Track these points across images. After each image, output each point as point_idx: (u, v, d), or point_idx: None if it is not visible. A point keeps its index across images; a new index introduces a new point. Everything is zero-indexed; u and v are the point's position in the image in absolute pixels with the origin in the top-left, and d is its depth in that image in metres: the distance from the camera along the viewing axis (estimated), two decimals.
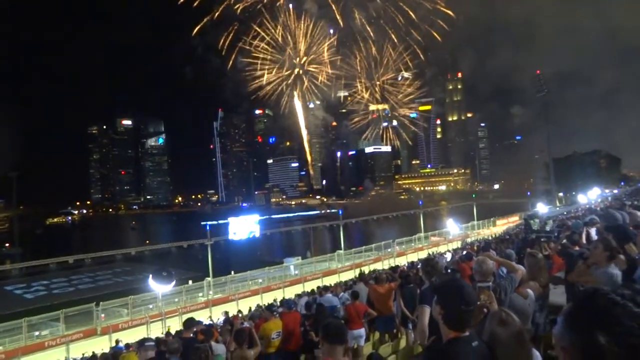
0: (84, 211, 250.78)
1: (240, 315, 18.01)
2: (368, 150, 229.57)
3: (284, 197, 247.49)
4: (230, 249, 50.79)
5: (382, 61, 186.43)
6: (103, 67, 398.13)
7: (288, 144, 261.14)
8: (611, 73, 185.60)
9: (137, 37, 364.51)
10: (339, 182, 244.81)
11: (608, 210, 7.25)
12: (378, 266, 31.78)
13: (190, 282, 29.86)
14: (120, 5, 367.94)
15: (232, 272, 31.71)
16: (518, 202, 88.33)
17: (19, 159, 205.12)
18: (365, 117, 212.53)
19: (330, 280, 27.57)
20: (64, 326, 21.88)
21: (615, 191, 52.81)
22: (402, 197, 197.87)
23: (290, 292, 25.21)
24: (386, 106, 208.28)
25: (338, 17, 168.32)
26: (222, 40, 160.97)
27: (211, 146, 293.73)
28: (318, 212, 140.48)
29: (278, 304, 16.15)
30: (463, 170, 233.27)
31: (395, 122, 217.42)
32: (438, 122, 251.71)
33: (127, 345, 14.02)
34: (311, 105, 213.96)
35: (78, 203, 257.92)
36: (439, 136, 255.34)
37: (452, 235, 45.01)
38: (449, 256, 18.68)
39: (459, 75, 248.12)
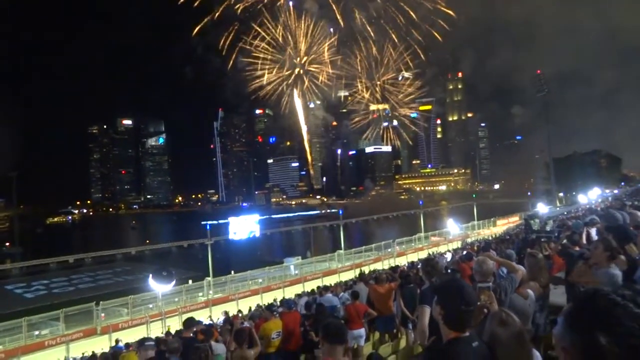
0: (84, 211, 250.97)
1: (240, 315, 18.02)
2: (368, 150, 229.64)
3: (284, 197, 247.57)
4: (231, 249, 50.82)
5: (383, 61, 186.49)
6: (103, 67, 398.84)
7: (288, 143, 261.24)
8: (611, 73, 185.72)
9: (137, 37, 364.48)
10: (339, 182, 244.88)
11: (608, 211, 7.24)
12: (378, 266, 31.78)
13: (190, 281, 29.89)
14: (120, 5, 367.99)
15: (232, 272, 31.72)
16: (518, 202, 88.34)
17: (19, 159, 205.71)
18: (366, 117, 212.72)
19: (330, 280, 27.58)
20: (64, 325, 21.90)
21: (616, 191, 52.79)
22: (403, 197, 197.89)
23: (290, 292, 25.21)
24: (386, 106, 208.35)
25: (338, 17, 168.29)
26: (222, 40, 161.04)
27: (211, 146, 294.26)
28: (318, 212, 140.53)
29: (278, 303, 16.15)
30: (463, 170, 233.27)
31: (395, 122, 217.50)
32: (438, 122, 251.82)
33: (127, 345, 14.03)
34: (311, 105, 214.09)
35: (78, 202, 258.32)
36: (439, 136, 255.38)
37: (452, 235, 44.99)
38: (449, 256, 18.68)
39: (460, 75, 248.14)
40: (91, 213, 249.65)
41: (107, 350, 14.84)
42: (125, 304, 24.59)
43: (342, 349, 2.88)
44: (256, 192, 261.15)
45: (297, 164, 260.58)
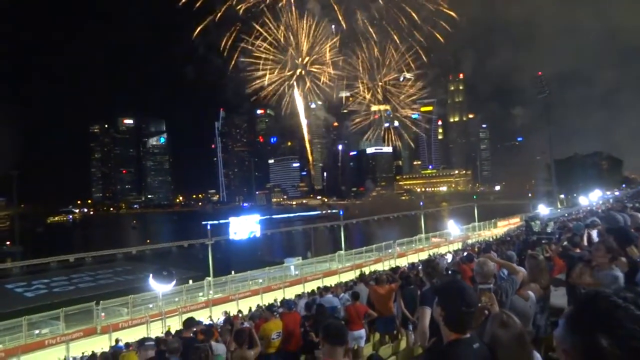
0: (85, 210, 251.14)
1: (240, 315, 18.02)
2: (369, 150, 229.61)
3: (285, 197, 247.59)
4: (231, 249, 50.83)
5: (385, 62, 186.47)
6: (103, 67, 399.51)
7: (289, 144, 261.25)
8: (611, 73, 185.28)
9: (137, 37, 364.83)
10: (340, 183, 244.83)
11: (609, 212, 7.24)
12: (378, 267, 31.76)
13: (190, 281, 29.89)
14: (120, 5, 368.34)
15: (233, 272, 31.73)
16: (519, 203, 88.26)
17: (20, 158, 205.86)
18: (367, 118, 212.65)
19: (330, 281, 27.56)
20: (64, 325, 21.91)
21: (617, 193, 52.69)
22: (403, 198, 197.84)
23: (290, 293, 25.20)
24: (388, 107, 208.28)
25: (340, 19, 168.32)
26: (223, 41, 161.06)
27: (212, 146, 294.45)
28: (319, 212, 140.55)
29: (278, 304, 16.15)
30: (464, 172, 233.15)
31: (396, 123, 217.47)
32: (439, 123, 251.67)
33: (127, 345, 14.03)
34: (313, 106, 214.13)
35: (79, 202, 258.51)
36: (440, 137, 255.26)
37: (453, 236, 44.97)
38: (449, 257, 18.66)
39: (461, 76, 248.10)
40: (92, 212, 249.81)
41: (107, 349, 14.83)
42: (125, 303, 24.61)
43: (342, 349, 2.88)
44: (257, 192, 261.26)
45: (298, 165, 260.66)
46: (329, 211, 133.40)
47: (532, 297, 3.78)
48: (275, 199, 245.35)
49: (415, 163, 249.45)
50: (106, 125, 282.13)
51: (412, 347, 6.52)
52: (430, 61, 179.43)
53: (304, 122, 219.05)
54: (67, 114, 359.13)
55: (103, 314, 23.61)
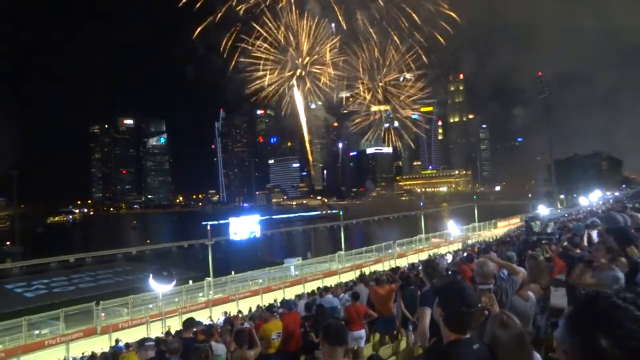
0: (85, 210, 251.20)
1: (240, 315, 18.02)
2: (369, 151, 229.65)
3: (285, 197, 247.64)
4: (231, 249, 50.83)
5: (385, 62, 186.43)
6: (103, 67, 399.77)
7: (289, 144, 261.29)
8: (612, 73, 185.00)
9: (137, 37, 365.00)
10: (340, 183, 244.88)
11: (609, 213, 7.24)
12: (378, 267, 31.76)
13: (190, 282, 29.87)
14: (120, 5, 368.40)
15: (233, 272, 31.72)
16: (519, 203, 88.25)
17: (20, 159, 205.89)
18: (367, 118, 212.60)
19: (330, 281, 27.55)
20: (64, 325, 21.89)
21: (617, 193, 52.65)
22: (403, 198, 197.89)
23: (290, 293, 25.21)
24: (388, 107, 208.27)
25: (340, 19, 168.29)
26: (224, 41, 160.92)
27: (212, 146, 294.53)
28: (319, 212, 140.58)
29: (278, 304, 16.14)
30: (464, 172, 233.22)
31: (396, 123, 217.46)
32: (439, 123, 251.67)
33: (127, 345, 14.03)
34: (313, 106, 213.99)
35: (79, 202, 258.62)
36: (440, 137, 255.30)
37: (453, 236, 44.97)
38: (449, 258, 18.65)
39: (461, 76, 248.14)
40: (92, 213, 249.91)
41: (107, 350, 14.83)
42: (125, 303, 24.59)
43: (342, 350, 2.88)
44: (257, 193, 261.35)
45: (298, 165, 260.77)
46: (329, 211, 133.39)
47: (532, 298, 3.78)
48: (275, 199, 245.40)
49: (415, 163, 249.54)
50: (106, 126, 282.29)
51: (412, 348, 6.52)
52: (431, 62, 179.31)
53: (304, 122, 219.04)
54: (67, 114, 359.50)
55: (103, 314, 23.60)
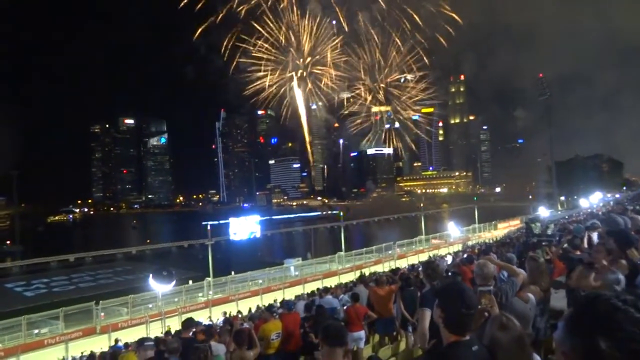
0: (86, 210, 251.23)
1: (240, 315, 18.01)
2: (370, 152, 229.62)
3: (285, 197, 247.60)
4: (231, 249, 50.83)
5: (386, 63, 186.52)
6: (103, 67, 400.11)
7: (290, 144, 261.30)
8: (612, 74, 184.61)
9: (137, 37, 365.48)
10: (340, 184, 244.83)
11: (610, 215, 7.24)
12: (378, 268, 31.74)
13: (190, 282, 29.87)
14: (120, 5, 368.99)
15: (233, 273, 31.72)
16: (520, 205, 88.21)
17: (20, 158, 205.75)
18: (368, 119, 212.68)
19: (330, 282, 27.54)
20: (63, 324, 21.89)
21: (617, 195, 52.62)
22: (404, 199, 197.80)
23: (290, 293, 25.20)
24: (389, 108, 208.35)
25: (342, 20, 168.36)
26: (224, 42, 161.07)
27: (213, 146, 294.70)
28: (319, 213, 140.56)
29: (278, 305, 16.13)
30: (465, 173, 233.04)
31: (397, 124, 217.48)
32: (440, 124, 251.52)
33: (126, 345, 14.03)
34: (314, 107, 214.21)
35: (79, 201, 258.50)
36: (441, 138, 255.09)
37: (453, 238, 44.96)
38: (449, 259, 18.64)
39: (462, 77, 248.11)
40: (92, 212, 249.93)
41: (106, 349, 14.84)
42: (125, 303, 24.59)
43: (341, 351, 2.87)
44: (257, 193, 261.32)
45: (298, 165, 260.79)
46: (329, 212, 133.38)
47: (532, 300, 3.78)
48: (275, 200, 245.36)
49: (415, 164, 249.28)
50: (107, 125, 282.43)
51: (412, 349, 6.51)
52: (432, 63, 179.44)
53: (304, 123, 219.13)
54: (67, 114, 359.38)
55: (102, 314, 23.60)
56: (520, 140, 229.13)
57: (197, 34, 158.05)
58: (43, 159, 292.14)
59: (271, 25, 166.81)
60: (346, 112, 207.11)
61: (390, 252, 39.31)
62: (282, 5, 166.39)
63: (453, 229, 46.02)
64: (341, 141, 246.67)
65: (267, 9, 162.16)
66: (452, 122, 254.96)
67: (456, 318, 2.11)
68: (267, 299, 24.87)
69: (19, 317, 21.30)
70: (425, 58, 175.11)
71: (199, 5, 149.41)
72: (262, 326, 7.52)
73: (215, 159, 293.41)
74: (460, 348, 2.06)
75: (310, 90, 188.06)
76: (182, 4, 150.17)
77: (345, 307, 8.55)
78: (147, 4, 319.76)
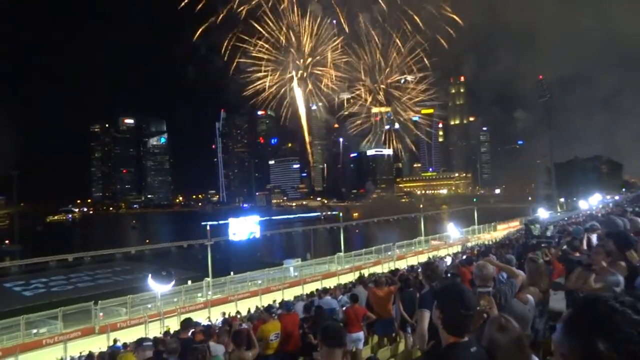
0: (85, 209, 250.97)
1: (238, 316, 17.99)
2: (370, 152, 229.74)
3: (285, 198, 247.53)
4: (230, 250, 50.80)
5: (387, 64, 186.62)
6: (103, 67, 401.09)
7: (290, 145, 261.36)
8: (612, 76, 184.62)
9: (137, 37, 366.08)
10: (340, 184, 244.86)
11: (609, 217, 7.24)
12: (378, 269, 31.72)
13: (189, 282, 29.86)
14: (120, 5, 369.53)
15: (232, 273, 31.71)
16: (519, 207, 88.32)
17: (20, 158, 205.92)
18: (368, 120, 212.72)
19: (329, 283, 27.53)
20: (62, 324, 21.87)
21: (617, 197, 52.65)
22: (403, 200, 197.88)
23: (289, 294, 25.20)
24: (389, 109, 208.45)
25: (342, 21, 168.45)
26: (225, 42, 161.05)
27: (213, 146, 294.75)
28: (319, 214, 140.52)
29: (277, 305, 16.12)
30: (464, 174, 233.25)
31: (397, 125, 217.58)
32: (440, 125, 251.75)
33: (125, 345, 14.00)
34: (314, 107, 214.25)
35: (79, 201, 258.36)
36: (441, 140, 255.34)
37: (453, 239, 44.98)
38: (449, 260, 18.64)
39: (462, 79, 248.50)
40: (91, 212, 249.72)
41: (105, 349, 14.81)
42: (124, 303, 24.58)
43: (340, 352, 2.86)
44: (257, 193, 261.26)
45: (298, 166, 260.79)
46: (328, 213, 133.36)
47: (531, 301, 3.78)
48: (275, 200, 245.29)
49: (415, 165, 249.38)
50: (107, 125, 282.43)
51: (411, 350, 6.51)
52: (432, 64, 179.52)
53: (304, 123, 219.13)
54: (67, 114, 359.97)
55: (101, 314, 23.57)
56: (520, 142, 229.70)
57: (197, 34, 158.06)
58: (43, 158, 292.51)
59: (272, 25, 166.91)
60: (346, 112, 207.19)
61: (389, 253, 39.33)
62: (282, 6, 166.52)
63: (452, 230, 46.04)
64: (341, 140, 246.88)
65: (267, 9, 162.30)
66: (452, 123, 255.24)
67: (455, 319, 2.10)
68: (266, 300, 24.84)
69: (18, 316, 21.27)
70: (425, 59, 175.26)
71: (200, 6, 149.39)
72: (261, 327, 7.52)
73: (215, 159, 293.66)
74: (459, 349, 2.06)
75: (310, 91, 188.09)
76: (183, 4, 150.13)
77: (344, 308, 8.54)
78: (147, 4, 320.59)
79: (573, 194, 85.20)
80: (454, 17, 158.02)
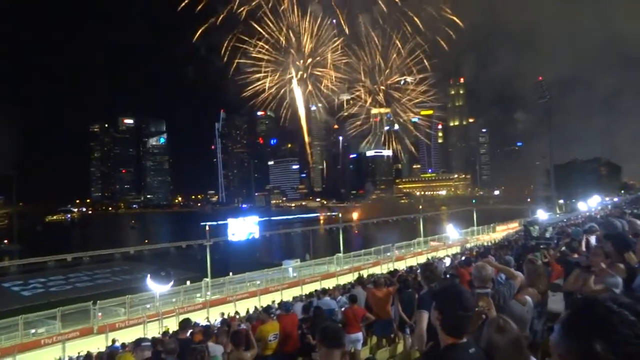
0: (84, 209, 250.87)
1: (237, 316, 17.97)
2: (369, 153, 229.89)
3: (284, 199, 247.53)
4: (229, 250, 50.76)
5: (387, 65, 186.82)
6: (103, 67, 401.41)
7: (289, 145, 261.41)
8: (612, 77, 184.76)
9: (137, 37, 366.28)
10: (339, 185, 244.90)
11: (608, 218, 7.25)
12: (377, 270, 31.70)
13: (188, 282, 29.81)
14: (120, 5, 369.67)
15: (231, 274, 31.67)
16: (518, 208, 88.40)
17: (20, 158, 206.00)
18: (367, 121, 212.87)
19: (328, 284, 27.49)
20: (60, 324, 21.81)
21: (616, 199, 52.76)
22: (403, 201, 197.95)
23: (288, 295, 25.17)
24: (388, 110, 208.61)
25: (342, 22, 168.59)
26: (225, 43, 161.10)
27: (212, 147, 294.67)
28: (318, 214, 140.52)
29: (276, 306, 16.11)
30: (464, 176, 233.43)
31: (397, 127, 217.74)
32: (440, 127, 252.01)
33: (124, 345, 13.98)
34: (313, 108, 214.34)
35: (78, 201, 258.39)
36: (440, 141, 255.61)
37: (452, 240, 44.98)
38: (448, 261, 18.65)
39: (461, 80, 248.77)
40: (90, 212, 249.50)
41: (103, 350, 14.79)
42: (122, 303, 24.52)
43: (339, 352, 2.86)
44: (256, 194, 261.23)
45: (297, 166, 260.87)
46: (328, 213, 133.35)
47: (529, 302, 3.78)
48: (274, 201, 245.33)
49: (414, 166, 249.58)
50: (106, 125, 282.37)
51: (409, 351, 6.51)
52: (432, 66, 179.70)
53: (304, 124, 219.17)
54: (67, 114, 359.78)
55: (100, 314, 23.52)
56: (519, 143, 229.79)
57: (197, 35, 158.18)
58: (42, 158, 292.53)
59: (272, 26, 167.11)
60: (346, 113, 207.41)
61: (388, 254, 39.32)
62: (282, 7, 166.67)
63: (451, 231, 46.04)
64: (341, 140, 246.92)
65: (267, 10, 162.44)
66: (452, 124, 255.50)
67: (453, 320, 2.10)
68: (265, 300, 24.81)
69: (16, 316, 21.19)
70: (425, 61, 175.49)
71: (200, 6, 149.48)
72: (259, 327, 7.51)
73: (215, 160, 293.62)
74: (458, 350, 2.06)
75: (310, 92, 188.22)
76: (183, 4, 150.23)
77: (343, 309, 8.53)
78: (147, 4, 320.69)
79: (572, 195, 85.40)
80: (454, 18, 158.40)
